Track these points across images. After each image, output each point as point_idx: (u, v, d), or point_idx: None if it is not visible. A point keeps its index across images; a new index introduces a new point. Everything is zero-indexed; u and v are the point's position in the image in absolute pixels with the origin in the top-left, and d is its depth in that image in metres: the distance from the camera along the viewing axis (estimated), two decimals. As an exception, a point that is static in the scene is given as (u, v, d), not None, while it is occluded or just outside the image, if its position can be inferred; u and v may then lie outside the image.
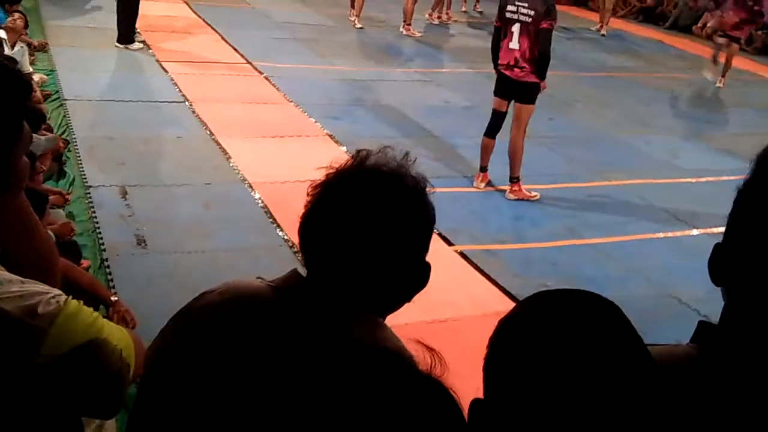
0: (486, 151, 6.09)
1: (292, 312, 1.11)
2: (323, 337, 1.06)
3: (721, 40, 10.43)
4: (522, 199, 5.96)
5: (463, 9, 14.23)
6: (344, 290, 1.14)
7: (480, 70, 10.08)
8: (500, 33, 5.82)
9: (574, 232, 5.56)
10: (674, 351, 1.08)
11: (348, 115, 7.54)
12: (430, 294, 4.50)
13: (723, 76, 10.64)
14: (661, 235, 5.66)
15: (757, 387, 0.98)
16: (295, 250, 4.71)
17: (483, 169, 6.15)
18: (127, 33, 8.76)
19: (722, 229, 1.08)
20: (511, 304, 3.85)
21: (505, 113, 6.01)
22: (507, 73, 5.82)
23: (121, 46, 8.74)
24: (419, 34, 11.70)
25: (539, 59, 5.68)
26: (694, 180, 6.90)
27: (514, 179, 5.98)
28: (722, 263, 1.06)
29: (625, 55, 12.65)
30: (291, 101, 7.71)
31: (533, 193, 6.03)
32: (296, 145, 6.58)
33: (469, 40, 12.17)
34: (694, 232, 5.75)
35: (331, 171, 1.22)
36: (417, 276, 1.25)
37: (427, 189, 1.24)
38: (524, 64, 5.71)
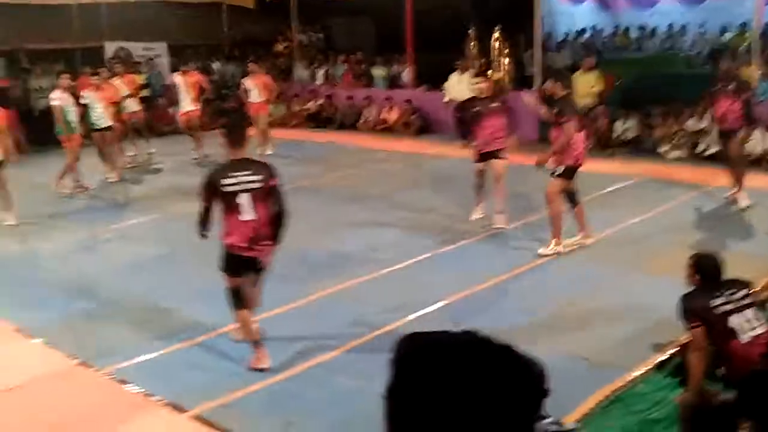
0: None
1: None
2: None
3: None
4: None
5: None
6: None
7: (170, 214, 9.84)
8: (209, 211, 5.30)
9: (307, 355, 5.48)
10: None
11: (36, 302, 6.76)
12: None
13: None
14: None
15: None
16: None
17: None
18: None
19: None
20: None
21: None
22: (249, 254, 5.24)
23: None
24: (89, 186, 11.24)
25: (278, 219, 5.29)
26: (397, 267, 7.32)
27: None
28: None
29: (304, 163, 13.24)
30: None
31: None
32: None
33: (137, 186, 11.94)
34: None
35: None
36: None
37: None
38: (266, 236, 5.25)
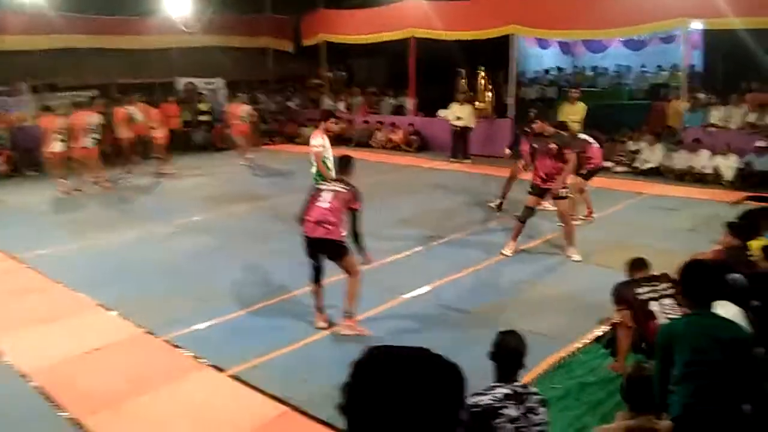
0: (318, 296, 5.47)
1: None
2: None
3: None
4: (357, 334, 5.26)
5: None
6: None
7: (228, 212, 9.85)
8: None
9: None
10: None
11: (114, 282, 6.78)
12: (212, 421, 3.98)
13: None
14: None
15: None
16: (79, 426, 4.03)
17: (320, 309, 5.48)
18: None
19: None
20: (282, 408, 3.53)
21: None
22: (311, 234, 5.15)
23: None
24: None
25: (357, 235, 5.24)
26: (396, 257, 7.24)
27: (348, 314, 5.31)
28: None
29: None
30: (59, 283, 6.77)
31: (364, 329, 5.31)
32: (70, 323, 5.76)
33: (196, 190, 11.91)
34: (423, 290, 5.94)
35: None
36: None
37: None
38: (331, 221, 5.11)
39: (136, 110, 13.12)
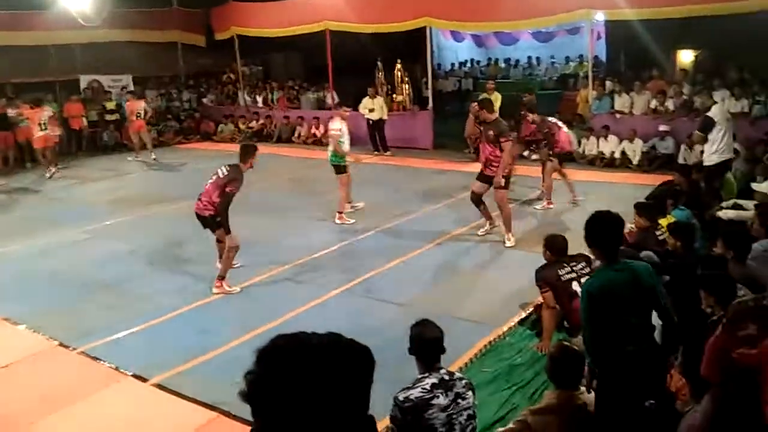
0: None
1: None
2: None
3: None
4: (225, 294, 6.09)
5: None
6: None
7: (141, 215, 9.42)
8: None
9: (249, 327, 5.30)
10: None
11: (20, 294, 6.33)
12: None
13: None
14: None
15: None
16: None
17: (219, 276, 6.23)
18: None
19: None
20: (212, 414, 3.42)
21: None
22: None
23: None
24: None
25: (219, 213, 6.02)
26: (325, 252, 7.18)
27: (220, 277, 6.18)
28: None
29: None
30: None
31: (234, 288, 6.19)
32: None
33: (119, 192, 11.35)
34: (353, 282, 5.88)
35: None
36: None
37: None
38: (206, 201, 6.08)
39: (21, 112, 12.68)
